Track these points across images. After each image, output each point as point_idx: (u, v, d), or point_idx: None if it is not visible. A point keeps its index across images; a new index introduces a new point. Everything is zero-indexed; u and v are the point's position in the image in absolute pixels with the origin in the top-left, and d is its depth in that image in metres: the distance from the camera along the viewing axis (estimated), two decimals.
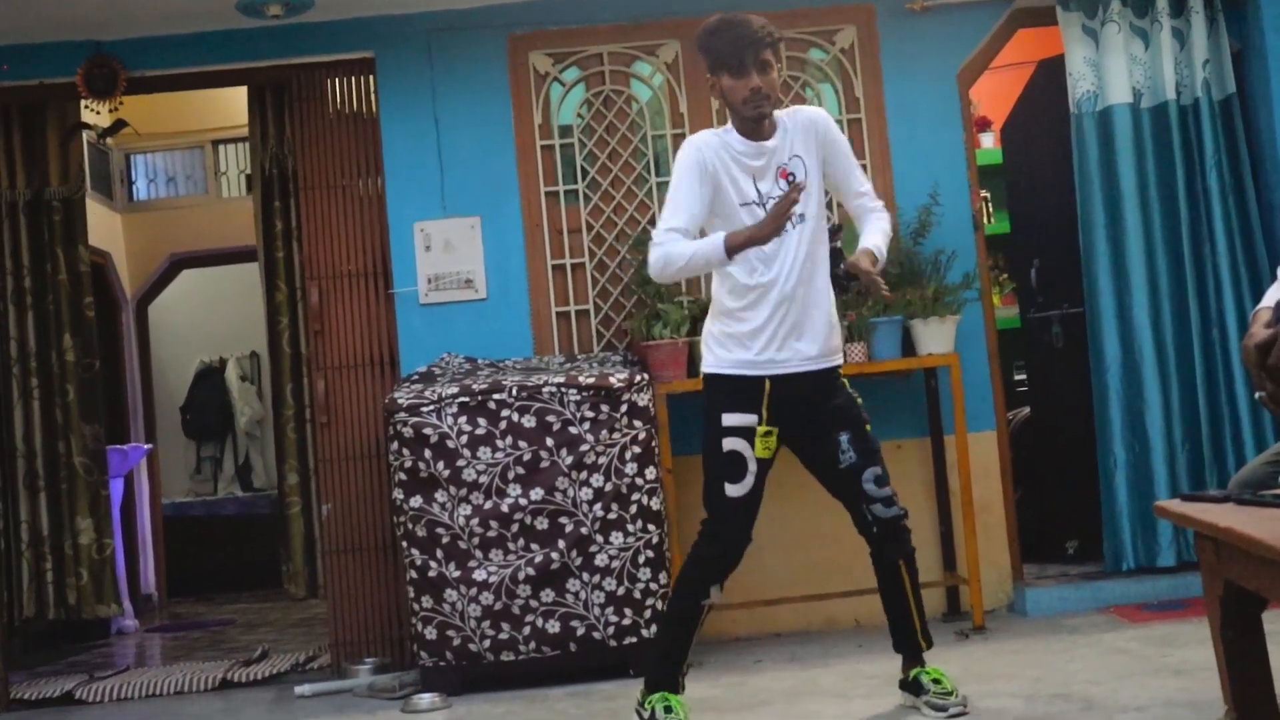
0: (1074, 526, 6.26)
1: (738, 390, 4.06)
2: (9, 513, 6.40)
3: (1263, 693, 2.83)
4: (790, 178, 4.03)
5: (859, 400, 4.18)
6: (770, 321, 4.02)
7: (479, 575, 5.04)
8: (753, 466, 4.03)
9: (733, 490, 4.04)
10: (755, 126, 4.05)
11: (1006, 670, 4.65)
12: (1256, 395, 2.96)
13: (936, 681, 4.17)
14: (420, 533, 5.04)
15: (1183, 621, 5.10)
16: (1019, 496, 5.98)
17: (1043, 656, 4.81)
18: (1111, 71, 5.73)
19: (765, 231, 3.93)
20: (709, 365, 4.13)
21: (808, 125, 4.11)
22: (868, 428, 4.15)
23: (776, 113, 4.10)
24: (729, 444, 4.04)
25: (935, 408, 5.74)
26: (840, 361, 4.18)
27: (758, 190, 4.03)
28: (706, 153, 4.04)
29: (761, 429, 4.03)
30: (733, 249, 3.93)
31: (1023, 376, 7.15)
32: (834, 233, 4.20)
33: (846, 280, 4.09)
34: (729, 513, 4.06)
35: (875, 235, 4.14)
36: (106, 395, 7.47)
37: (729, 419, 4.05)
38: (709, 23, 4.06)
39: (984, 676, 4.58)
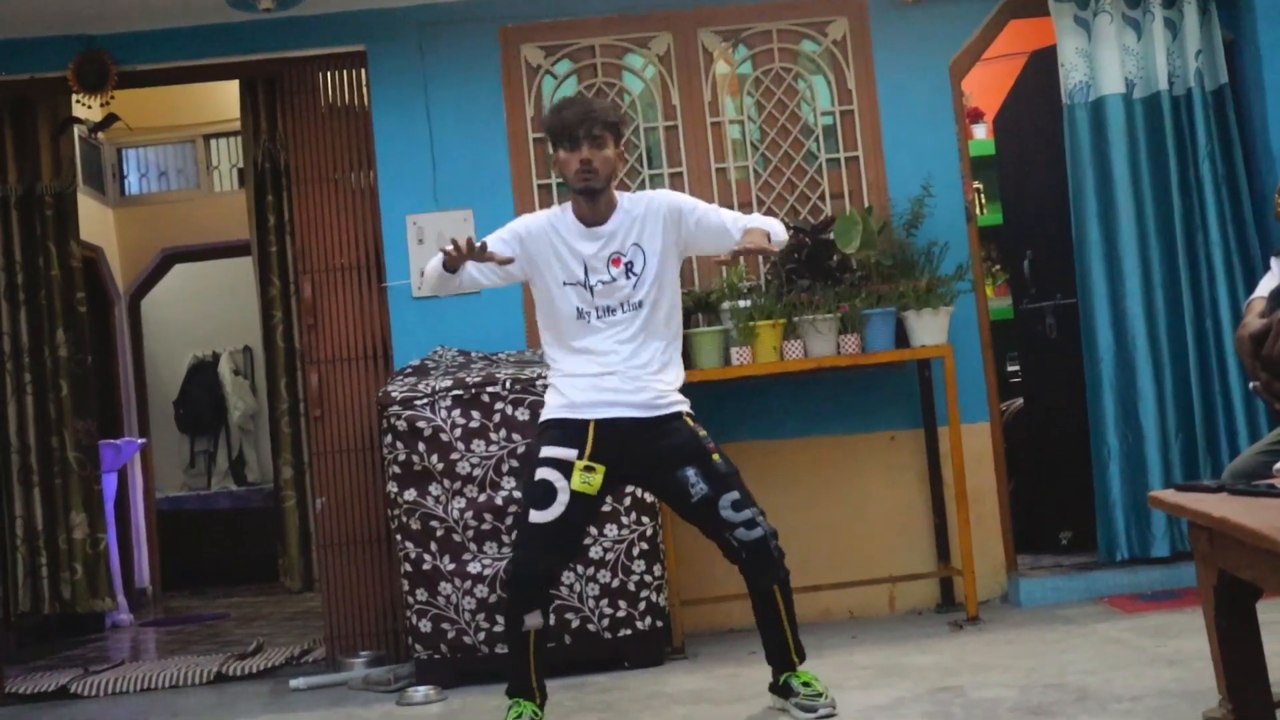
0: (1067, 517, 6.26)
1: (562, 428, 4.10)
2: (3, 508, 6.39)
3: (1257, 682, 2.83)
4: (627, 266, 4.10)
5: (702, 434, 4.15)
6: (591, 387, 4.08)
7: (473, 568, 5.04)
8: (564, 498, 4.02)
9: (536, 515, 4.03)
10: (589, 206, 4.13)
11: (1001, 661, 4.66)
12: (1250, 385, 2.97)
13: (806, 684, 4.17)
14: (414, 526, 5.04)
15: (1177, 612, 5.11)
16: (1012, 487, 5.99)
17: (1037, 647, 4.82)
18: (1104, 62, 5.73)
19: (448, 260, 4.01)
20: (543, 413, 4.20)
21: (652, 212, 4.18)
22: (715, 457, 4.12)
23: (622, 196, 4.21)
24: (541, 473, 4.06)
25: (929, 399, 5.75)
26: (677, 410, 4.16)
27: (585, 271, 4.10)
28: (531, 224, 4.21)
29: (581, 463, 4.03)
30: (448, 266, 4.03)
31: (1016, 368, 7.16)
32: None
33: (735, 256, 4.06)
34: (527, 538, 4.06)
35: (760, 220, 4.16)
36: (99, 390, 7.47)
37: (547, 451, 4.08)
38: (555, 101, 4.16)
39: (978, 667, 4.59)
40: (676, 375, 4.22)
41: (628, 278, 4.11)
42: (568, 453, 4.05)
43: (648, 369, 4.12)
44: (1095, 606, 5.45)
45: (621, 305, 4.10)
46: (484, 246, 4.00)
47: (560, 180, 5.74)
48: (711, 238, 4.21)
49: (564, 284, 4.13)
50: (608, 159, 4.11)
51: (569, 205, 4.21)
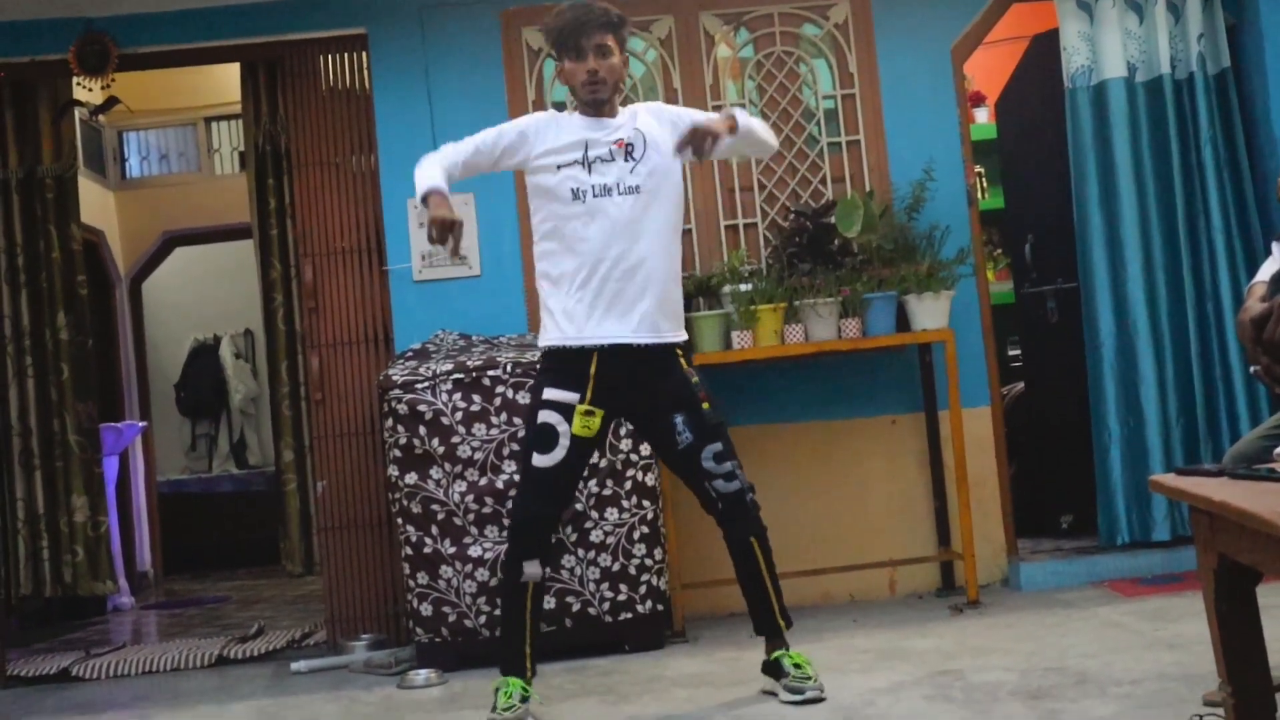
0: (1068, 501, 6.27)
1: (563, 366, 4.10)
2: (4, 491, 6.40)
3: (1257, 666, 2.83)
4: (627, 148, 4.10)
5: (695, 380, 4.16)
6: (588, 293, 4.07)
7: (474, 551, 5.04)
8: (565, 441, 4.05)
9: (539, 460, 4.07)
10: (594, 111, 4.16)
11: (1001, 644, 4.66)
12: (1251, 369, 2.96)
13: (797, 666, 4.17)
14: (415, 509, 5.05)
15: (1177, 595, 5.12)
16: (1013, 471, 5.99)
17: (1037, 631, 4.83)
18: (1106, 46, 5.72)
19: (432, 217, 3.98)
20: (540, 340, 4.20)
21: (653, 111, 4.25)
22: (705, 406, 4.14)
23: (626, 106, 4.25)
24: (543, 416, 4.08)
25: (930, 383, 5.75)
26: (676, 340, 4.17)
27: (585, 149, 4.10)
28: (534, 117, 4.24)
29: (582, 407, 4.05)
30: (423, 197, 4.04)
31: (1017, 352, 7.15)
32: None
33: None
34: (531, 483, 4.09)
35: (746, 116, 4.18)
36: (100, 373, 7.47)
37: (549, 393, 4.09)
38: (554, 9, 4.14)
39: (978, 651, 4.60)
40: (677, 306, 4.20)
41: (626, 160, 4.10)
42: (570, 396, 4.07)
43: (647, 277, 4.08)
44: (1095, 590, 5.45)
45: (618, 186, 4.08)
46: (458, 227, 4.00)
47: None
48: None
49: (559, 167, 4.11)
50: (614, 67, 4.13)
51: (574, 113, 4.24)
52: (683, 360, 4.18)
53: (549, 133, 4.16)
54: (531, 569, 4.09)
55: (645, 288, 4.08)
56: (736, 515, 4.17)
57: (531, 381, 5.00)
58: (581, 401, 4.06)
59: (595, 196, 4.08)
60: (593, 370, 4.07)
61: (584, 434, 4.07)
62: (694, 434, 4.11)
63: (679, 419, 4.11)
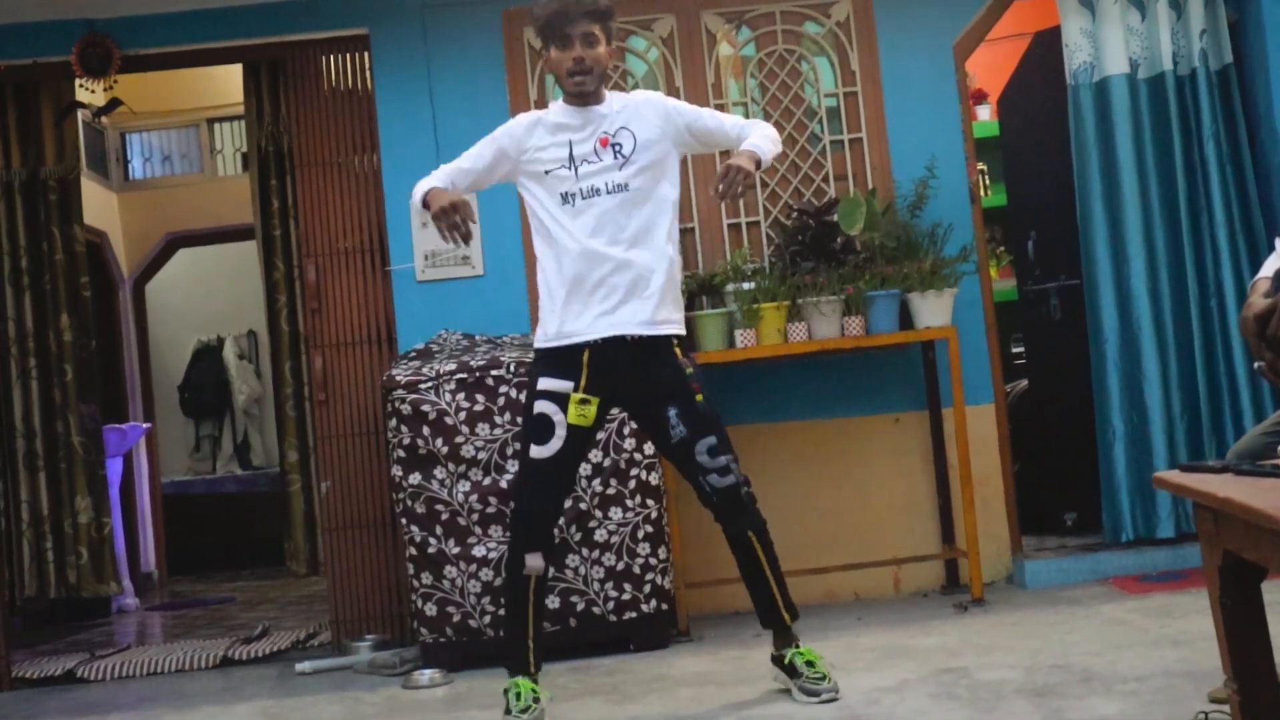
0: (1072, 499, 6.26)
1: (557, 359, 4.10)
2: (9, 492, 6.40)
3: (1262, 663, 2.82)
4: (614, 146, 4.09)
5: (690, 370, 4.14)
6: (580, 291, 4.07)
7: (478, 551, 5.04)
8: (561, 431, 4.05)
9: (537, 451, 4.07)
10: (579, 100, 4.16)
11: (1005, 642, 4.66)
12: (1255, 365, 2.96)
13: (810, 664, 4.17)
14: (419, 509, 5.05)
15: (1181, 592, 5.11)
16: (1016, 469, 5.98)
17: (1041, 628, 4.82)
18: (1108, 42, 5.71)
19: (432, 211, 4.09)
20: (535, 339, 4.22)
21: (645, 102, 4.20)
22: (699, 398, 4.12)
23: (614, 93, 4.23)
24: (539, 406, 4.09)
25: (933, 381, 5.74)
26: (671, 332, 4.15)
27: (570, 150, 4.09)
28: (509, 126, 4.24)
29: (576, 396, 4.06)
30: (423, 202, 4.13)
31: (1020, 350, 7.15)
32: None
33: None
34: (530, 474, 4.10)
35: (756, 138, 4.12)
36: (104, 375, 7.47)
37: (543, 383, 4.10)
38: None
39: (983, 648, 4.59)
40: (674, 299, 4.18)
41: (615, 158, 4.10)
42: (563, 385, 4.07)
43: (638, 274, 4.07)
44: (1100, 587, 5.45)
45: (606, 185, 4.07)
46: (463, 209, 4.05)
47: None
48: (709, 137, 4.24)
49: (546, 172, 4.12)
50: (600, 57, 4.13)
51: (558, 101, 4.26)
52: (678, 350, 4.16)
53: (530, 138, 4.16)
54: (533, 561, 4.09)
55: (636, 284, 4.07)
56: (733, 510, 4.17)
57: (526, 378, 5.02)
58: (576, 390, 4.06)
59: (584, 198, 4.08)
60: (585, 359, 4.08)
61: (580, 423, 4.07)
62: (687, 427, 4.10)
63: (672, 412, 4.10)
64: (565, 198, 4.09)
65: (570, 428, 4.06)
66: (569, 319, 4.09)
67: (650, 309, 4.09)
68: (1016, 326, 7.05)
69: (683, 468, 4.19)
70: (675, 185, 4.21)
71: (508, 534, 4.92)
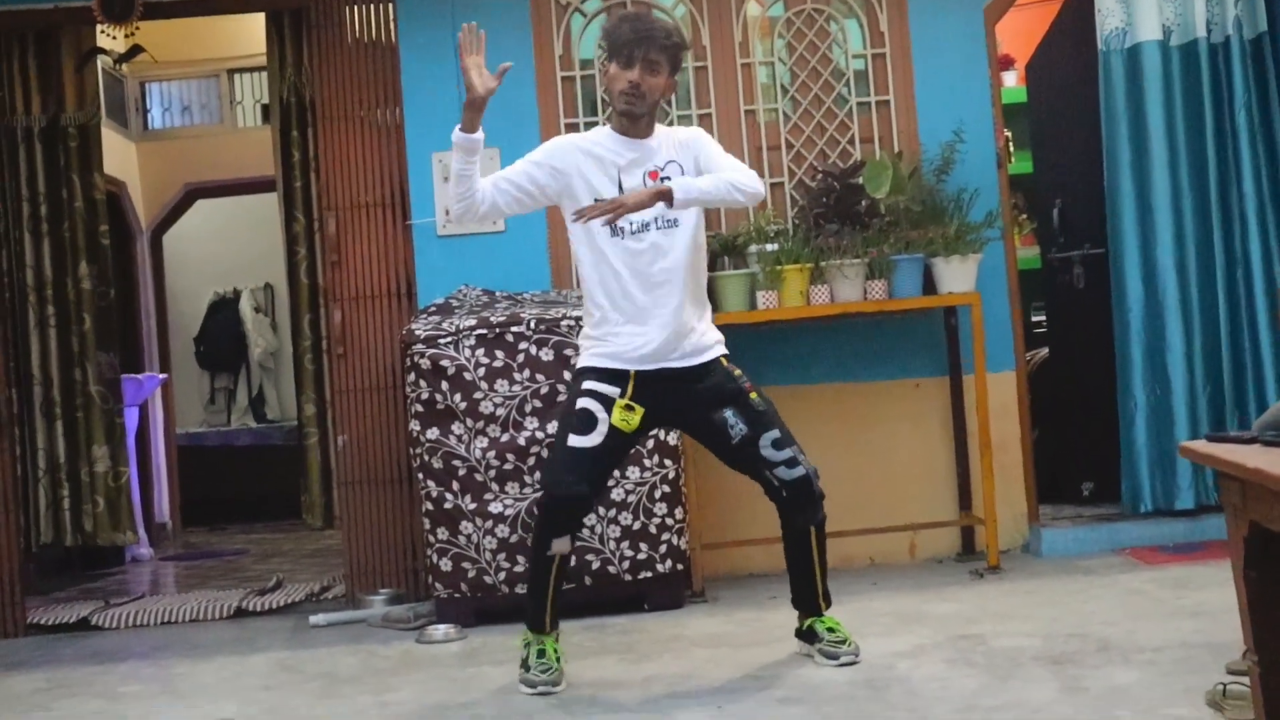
0: (1089, 468, 6.24)
1: (604, 372, 4.08)
2: (26, 439, 6.41)
3: None
4: (663, 180, 4.02)
5: (738, 373, 4.13)
6: (624, 314, 4.06)
7: (495, 508, 5.03)
8: (604, 429, 4.02)
9: (577, 440, 4.03)
10: (629, 124, 4.11)
11: (1022, 610, 4.65)
12: None
13: (831, 630, 4.17)
14: (436, 465, 5.04)
15: (1199, 564, 5.10)
16: (1035, 437, 5.95)
17: (1058, 597, 4.81)
18: (1141, 8, 5.64)
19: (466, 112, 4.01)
20: (579, 361, 4.19)
21: (687, 142, 4.16)
22: (753, 396, 4.11)
23: (661, 127, 4.18)
24: (583, 403, 4.06)
25: (955, 347, 5.71)
26: (717, 355, 4.15)
27: (620, 188, 4.04)
28: (559, 143, 4.19)
29: (622, 402, 4.03)
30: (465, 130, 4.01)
31: (1040, 318, 7.11)
32: None
33: None
34: (565, 460, 4.04)
35: (709, 177, 4.01)
36: (121, 325, 7.46)
37: (589, 384, 4.07)
38: (621, 10, 4.08)
39: (999, 616, 4.58)
40: (709, 317, 4.21)
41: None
42: (611, 389, 4.06)
43: (687, 314, 4.09)
44: (1116, 558, 5.43)
45: (656, 220, 4.05)
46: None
47: (593, 116, 5.69)
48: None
49: (592, 200, 4.07)
50: (657, 86, 4.08)
51: (607, 126, 4.21)
52: (723, 361, 4.16)
53: (580, 167, 4.10)
54: (560, 544, 4.07)
55: (680, 314, 4.07)
56: (803, 504, 4.14)
57: (549, 340, 5.00)
58: (622, 397, 4.05)
59: (634, 233, 4.06)
60: (632, 375, 4.06)
61: (623, 426, 4.04)
62: (747, 424, 4.08)
63: (729, 413, 4.08)
64: (616, 230, 4.06)
65: (612, 428, 4.03)
66: (616, 342, 4.07)
67: (696, 339, 4.11)
68: (1038, 295, 7.01)
69: (748, 466, 4.15)
70: (701, 213, 4.19)
71: (527, 495, 4.93)
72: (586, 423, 4.03)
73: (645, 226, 4.06)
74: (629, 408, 4.04)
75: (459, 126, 4.03)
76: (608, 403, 4.04)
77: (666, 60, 4.08)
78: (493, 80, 4.01)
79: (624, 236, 4.06)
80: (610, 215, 3.95)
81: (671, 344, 4.07)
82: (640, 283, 4.06)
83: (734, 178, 3.99)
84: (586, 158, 4.11)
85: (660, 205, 3.96)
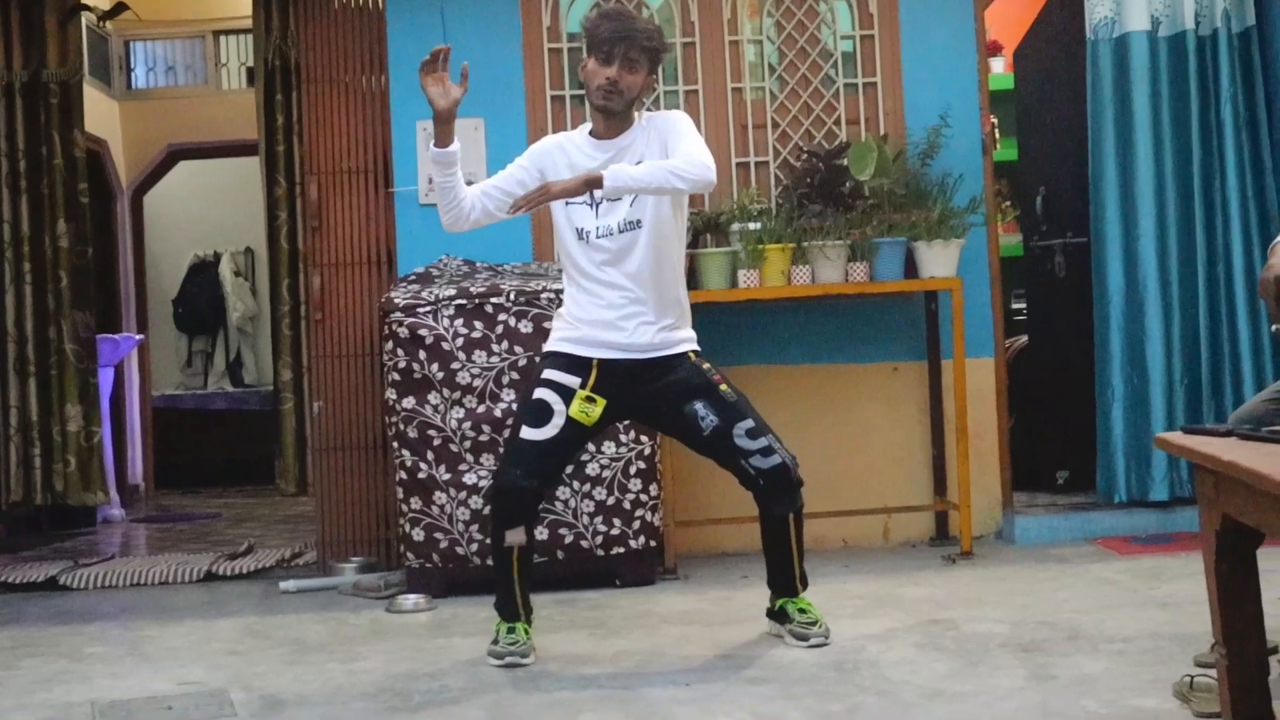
0: (1064, 457, 6.25)
1: (566, 360, 4.07)
2: None
3: (1252, 628, 2.81)
4: None
5: (706, 367, 4.12)
6: (597, 330, 4.05)
7: (469, 479, 5.02)
8: (559, 421, 4.00)
9: (529, 432, 4.02)
10: (605, 122, 4.09)
11: (993, 596, 4.65)
12: (1274, 328, 2.93)
13: (802, 611, 4.16)
14: (412, 434, 5.02)
15: (1170, 556, 5.11)
16: (1011, 425, 5.96)
17: (1030, 584, 4.82)
18: None
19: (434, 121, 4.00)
20: (547, 344, 4.18)
21: (660, 129, 4.10)
22: (723, 388, 4.08)
23: (639, 115, 4.15)
24: (539, 393, 4.04)
25: (934, 331, 5.71)
26: (686, 349, 4.13)
27: (593, 194, 3.99)
28: (544, 143, 4.19)
29: (582, 393, 4.01)
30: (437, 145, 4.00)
31: (1020, 305, 7.11)
32: None
33: None
34: (514, 452, 4.04)
35: (648, 165, 3.95)
36: (98, 285, 7.42)
37: (549, 374, 4.06)
38: (602, 6, 4.05)
39: (971, 601, 4.59)
40: (683, 314, 4.17)
41: (631, 194, 4.03)
42: (570, 380, 4.03)
43: (654, 308, 4.06)
44: (1089, 547, 5.44)
45: (619, 224, 4.03)
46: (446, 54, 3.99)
47: (580, 89, 5.66)
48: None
49: (566, 203, 4.06)
50: (635, 83, 4.05)
51: (587, 125, 4.18)
52: (692, 356, 4.14)
53: (560, 165, 4.08)
54: (514, 536, 4.04)
55: (649, 310, 4.05)
56: (780, 492, 4.11)
57: (528, 313, 4.98)
58: (583, 388, 4.03)
59: (599, 237, 4.05)
60: (595, 364, 4.05)
61: (581, 419, 4.02)
62: (719, 416, 4.06)
63: (699, 405, 4.06)
64: (580, 234, 4.06)
65: (569, 420, 4.01)
66: (582, 329, 4.06)
67: (665, 333, 4.08)
68: (1019, 282, 7.01)
69: (722, 457, 4.12)
70: (683, 205, 4.16)
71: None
72: (540, 415, 4.01)
73: (609, 232, 4.04)
74: (590, 399, 4.01)
75: (432, 143, 4.01)
76: (566, 394, 4.01)
77: (646, 60, 4.05)
78: (456, 90, 3.99)
79: (588, 241, 4.06)
80: (537, 201, 3.93)
81: (637, 339, 4.05)
82: (606, 285, 4.05)
83: (675, 164, 3.92)
84: (565, 160, 4.10)
85: (625, 208, 3.98)
